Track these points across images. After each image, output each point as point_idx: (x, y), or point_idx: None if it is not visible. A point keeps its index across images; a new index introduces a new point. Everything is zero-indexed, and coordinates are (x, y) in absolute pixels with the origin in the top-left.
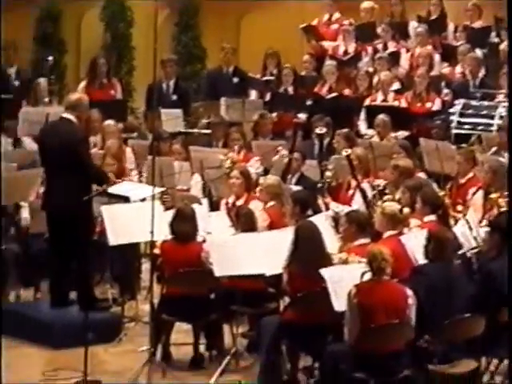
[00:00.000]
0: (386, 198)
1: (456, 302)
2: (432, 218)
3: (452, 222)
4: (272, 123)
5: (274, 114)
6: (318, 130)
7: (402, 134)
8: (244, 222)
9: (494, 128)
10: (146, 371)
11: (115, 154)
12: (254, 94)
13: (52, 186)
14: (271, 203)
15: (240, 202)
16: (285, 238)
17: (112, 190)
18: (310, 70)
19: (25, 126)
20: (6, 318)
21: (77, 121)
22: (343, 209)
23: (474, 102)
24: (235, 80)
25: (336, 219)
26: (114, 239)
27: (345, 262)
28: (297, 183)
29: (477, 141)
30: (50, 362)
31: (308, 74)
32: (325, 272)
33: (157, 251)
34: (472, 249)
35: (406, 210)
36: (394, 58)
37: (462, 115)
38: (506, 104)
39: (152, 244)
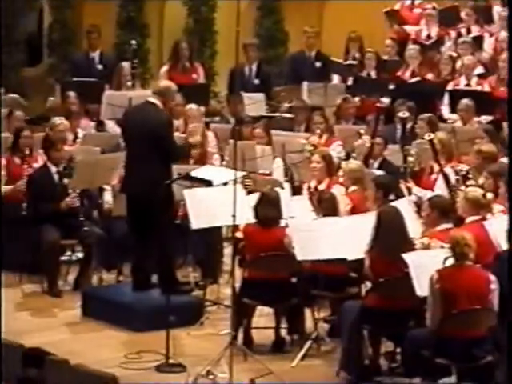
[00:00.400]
0: (469, 183)
1: None
2: None
3: None
4: (354, 107)
5: (357, 99)
6: (400, 114)
7: (486, 118)
8: (326, 206)
9: None
10: (227, 355)
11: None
12: (336, 79)
13: (133, 170)
14: (353, 188)
15: (322, 187)
16: (367, 222)
17: (194, 173)
18: (393, 55)
19: (108, 109)
20: (88, 301)
21: (161, 106)
22: (426, 193)
23: None
24: (317, 64)
25: (418, 204)
26: (196, 223)
27: (427, 247)
28: (379, 168)
29: None
30: (132, 344)
31: (390, 59)
32: (407, 257)
33: (239, 235)
34: None
35: (490, 196)
36: (478, 42)
37: None
38: None
39: (234, 228)
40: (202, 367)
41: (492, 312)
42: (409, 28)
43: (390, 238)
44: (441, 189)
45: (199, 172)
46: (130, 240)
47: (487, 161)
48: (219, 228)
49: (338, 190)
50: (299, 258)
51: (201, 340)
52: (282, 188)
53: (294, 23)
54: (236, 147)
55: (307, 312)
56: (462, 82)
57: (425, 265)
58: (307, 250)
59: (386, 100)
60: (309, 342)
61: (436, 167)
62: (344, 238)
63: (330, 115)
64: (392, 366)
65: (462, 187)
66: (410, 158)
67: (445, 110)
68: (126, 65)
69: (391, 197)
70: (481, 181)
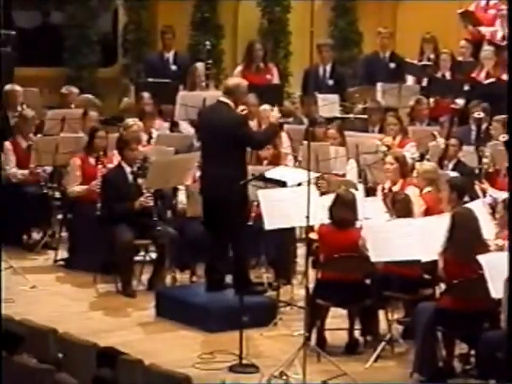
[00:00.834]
0: None
1: None
2: None
3: None
4: (429, 108)
5: (431, 100)
6: (475, 116)
7: None
8: (400, 207)
9: None
10: (300, 356)
11: None
12: (410, 79)
13: (209, 170)
14: (427, 189)
15: (396, 188)
16: (441, 224)
17: (268, 174)
18: (468, 56)
19: (182, 110)
20: (162, 302)
21: (233, 105)
22: (501, 195)
23: None
24: (392, 65)
25: (493, 206)
26: (270, 223)
27: (502, 248)
28: (453, 169)
29: None
30: (205, 345)
31: (465, 60)
32: (482, 259)
33: (312, 236)
34: None
35: None
36: None
37: None
38: None
39: (308, 229)
40: (275, 368)
41: None
42: (483, 29)
43: (465, 240)
44: None
45: (273, 173)
46: (204, 240)
47: None
48: (293, 229)
49: (412, 192)
50: (373, 259)
51: (274, 341)
52: (356, 189)
53: (368, 24)
54: (310, 148)
55: (381, 313)
56: None
57: (499, 266)
58: (381, 252)
59: (460, 101)
60: (382, 344)
61: None
62: (418, 239)
63: (404, 116)
64: (466, 368)
65: None
66: (485, 160)
67: None
68: (200, 65)
69: (466, 198)
70: None
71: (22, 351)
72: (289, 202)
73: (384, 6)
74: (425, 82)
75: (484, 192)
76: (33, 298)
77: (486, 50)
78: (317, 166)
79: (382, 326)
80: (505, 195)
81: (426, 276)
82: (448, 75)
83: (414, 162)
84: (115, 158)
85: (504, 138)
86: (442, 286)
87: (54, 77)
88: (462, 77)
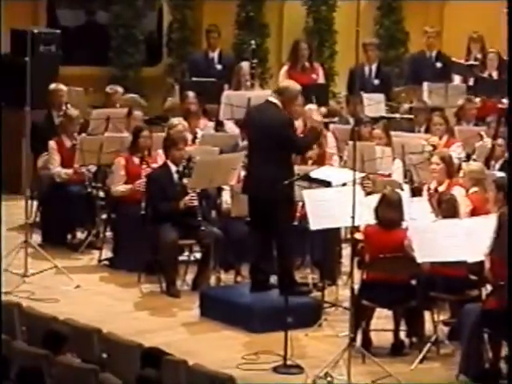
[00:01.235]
0: None
1: None
2: None
3: None
4: (476, 108)
5: (478, 99)
6: None
7: None
8: (446, 208)
9: None
10: (345, 357)
11: None
12: (457, 79)
13: (255, 170)
14: (474, 189)
15: (442, 188)
16: (488, 224)
17: (313, 174)
18: None
19: (227, 109)
20: (206, 302)
21: (281, 106)
22: None
23: None
24: (438, 64)
25: None
26: (315, 224)
27: None
28: (500, 169)
29: None
30: (249, 345)
31: None
32: None
33: (358, 236)
34: None
35: None
36: None
37: None
38: None
39: (353, 229)
40: (319, 369)
41: None
42: None
43: None
44: None
45: (318, 173)
46: (249, 240)
47: None
48: (338, 229)
49: (458, 192)
50: (419, 260)
51: (319, 342)
52: (402, 189)
53: (415, 23)
54: (355, 148)
55: (426, 314)
56: None
57: None
58: (427, 252)
59: (507, 101)
60: (428, 345)
61: None
62: (464, 240)
63: (450, 116)
64: None
65: None
66: None
67: None
68: (245, 65)
69: None
70: None
71: (66, 351)
72: (334, 203)
73: (430, 4)
74: (471, 82)
75: None
76: (77, 297)
77: None
78: (362, 166)
79: (428, 327)
80: None
81: (473, 277)
82: (495, 75)
83: (461, 162)
84: (159, 158)
85: None
86: (489, 287)
87: (98, 76)
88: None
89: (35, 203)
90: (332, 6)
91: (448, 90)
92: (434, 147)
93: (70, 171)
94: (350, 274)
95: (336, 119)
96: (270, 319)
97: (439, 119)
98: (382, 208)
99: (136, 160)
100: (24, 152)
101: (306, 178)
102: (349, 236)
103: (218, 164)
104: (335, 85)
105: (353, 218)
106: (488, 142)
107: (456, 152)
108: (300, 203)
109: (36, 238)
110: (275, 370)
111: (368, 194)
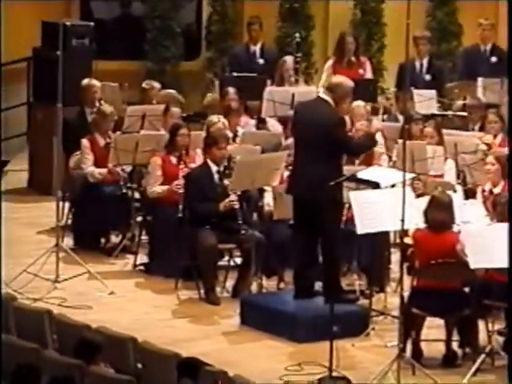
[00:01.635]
0: None
1: None
2: None
3: None
4: None
5: None
6: None
7: None
8: (501, 211)
9: None
10: (394, 368)
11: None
12: None
13: (301, 169)
14: None
15: (497, 190)
16: None
17: (361, 175)
18: None
19: (269, 106)
20: (247, 309)
21: (333, 103)
22: None
23: None
24: (493, 59)
25: None
26: (362, 227)
27: None
28: None
29: None
30: (293, 355)
31: None
32: None
33: (408, 241)
34: None
35: None
36: None
37: None
38: None
39: (402, 233)
40: (367, 381)
41: None
42: None
43: None
44: None
45: (366, 173)
46: (292, 244)
47: None
48: (386, 233)
49: None
50: (472, 265)
51: (366, 352)
52: (455, 191)
53: (469, 15)
54: (405, 147)
55: (480, 324)
56: None
57: None
58: (481, 258)
59: None
60: (482, 356)
61: None
62: None
63: (506, 113)
64: None
65: None
66: None
67: None
68: (288, 59)
69: None
70: None
71: (99, 361)
72: (382, 205)
73: None
74: None
75: None
76: (111, 304)
77: None
78: (412, 167)
79: (482, 337)
80: None
81: None
82: None
83: None
84: (198, 158)
85: None
86: None
87: (134, 71)
88: None
89: (67, 205)
90: None
91: (503, 86)
92: (489, 146)
93: (103, 171)
94: (400, 281)
95: (385, 117)
96: (315, 328)
97: (494, 117)
98: (431, 210)
99: (173, 159)
100: (55, 151)
101: (353, 178)
102: (398, 240)
103: (260, 164)
104: (384, 80)
105: (402, 221)
106: None
107: None
108: (346, 205)
109: (68, 241)
110: (320, 381)
111: (418, 195)
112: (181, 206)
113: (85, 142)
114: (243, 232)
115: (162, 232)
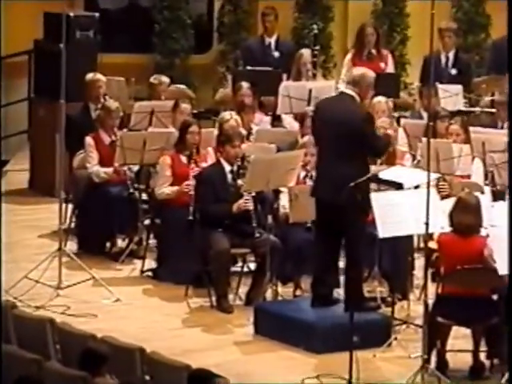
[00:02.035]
0: None
1: None
2: None
3: None
4: None
5: None
6: None
7: None
8: None
9: None
10: (418, 380)
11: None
12: None
13: (325, 170)
14: None
15: None
16: None
17: (383, 175)
18: None
19: (285, 102)
20: (262, 318)
21: (358, 98)
22: None
23: None
24: None
25: None
26: (384, 231)
27: None
28: None
29: None
30: (310, 366)
31: None
32: None
33: (432, 245)
34: None
35: None
36: None
37: None
38: None
39: (427, 237)
40: None
41: None
42: None
43: None
44: None
45: (388, 173)
46: (312, 248)
47: None
48: (410, 237)
49: None
50: (501, 272)
51: (388, 363)
52: (482, 192)
53: (497, 5)
54: (429, 146)
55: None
56: None
57: None
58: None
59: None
60: None
61: None
62: None
63: None
64: None
65: None
66: None
67: None
68: (305, 52)
69: None
70: None
71: (104, 372)
72: (405, 207)
73: None
74: None
75: None
76: (117, 312)
77: None
78: (437, 166)
79: None
80: None
81: None
82: None
83: None
84: (209, 157)
85: None
86: None
87: (141, 65)
88: None
89: (70, 207)
90: None
91: None
92: None
93: (109, 170)
94: (424, 288)
95: (408, 113)
96: (334, 338)
97: None
98: (457, 213)
99: (183, 159)
100: (58, 149)
101: (375, 179)
102: (422, 245)
103: (275, 163)
104: (407, 75)
105: (427, 224)
106: None
107: None
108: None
109: (71, 245)
110: None
111: (444, 197)
112: (191, 208)
113: (89, 139)
114: (257, 236)
115: (171, 236)
